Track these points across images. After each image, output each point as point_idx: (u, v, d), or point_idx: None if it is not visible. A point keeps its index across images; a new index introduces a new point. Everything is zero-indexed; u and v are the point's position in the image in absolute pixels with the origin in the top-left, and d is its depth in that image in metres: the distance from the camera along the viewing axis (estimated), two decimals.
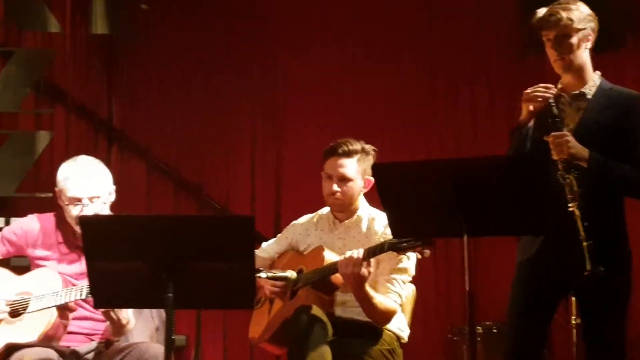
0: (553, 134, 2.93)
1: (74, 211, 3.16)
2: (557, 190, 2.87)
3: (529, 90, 3.03)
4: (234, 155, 5.63)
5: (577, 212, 2.83)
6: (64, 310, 3.10)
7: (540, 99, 2.98)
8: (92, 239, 2.57)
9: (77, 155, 3.30)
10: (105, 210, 3.22)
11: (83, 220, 2.68)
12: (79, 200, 3.15)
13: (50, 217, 3.32)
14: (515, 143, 3.06)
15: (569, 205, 2.84)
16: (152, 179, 5.44)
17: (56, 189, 3.24)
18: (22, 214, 4.00)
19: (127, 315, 3.09)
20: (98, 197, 3.18)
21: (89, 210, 3.15)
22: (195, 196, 5.62)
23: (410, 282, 3.43)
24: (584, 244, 2.81)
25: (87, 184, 3.17)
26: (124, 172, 5.54)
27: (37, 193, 4.76)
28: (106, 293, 2.64)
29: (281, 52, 5.74)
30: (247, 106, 5.66)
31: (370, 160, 3.41)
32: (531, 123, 3.03)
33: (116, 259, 2.57)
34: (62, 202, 3.21)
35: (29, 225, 3.30)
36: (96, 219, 2.95)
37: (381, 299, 3.25)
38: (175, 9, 5.74)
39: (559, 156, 2.91)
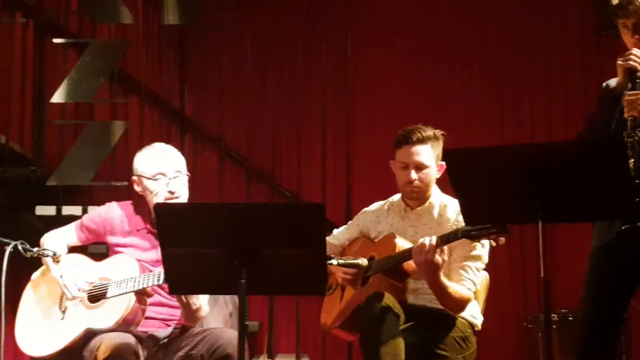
0: (628, 92, 2.87)
1: (160, 185, 3.22)
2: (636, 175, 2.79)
3: (627, 53, 2.97)
4: (305, 143, 5.64)
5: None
6: (141, 296, 3.16)
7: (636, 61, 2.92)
8: (166, 226, 2.61)
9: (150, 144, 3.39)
10: (186, 189, 3.29)
11: (158, 207, 2.72)
12: (164, 174, 3.23)
13: (128, 205, 3.39)
14: (604, 112, 2.98)
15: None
16: (225, 167, 5.50)
17: (134, 177, 3.32)
18: (98, 202, 4.09)
19: (197, 301, 3.12)
20: (180, 172, 3.27)
21: (175, 184, 3.23)
22: (267, 184, 5.66)
23: (484, 269, 3.38)
24: None
25: (169, 158, 3.29)
26: (197, 161, 5.63)
27: (113, 182, 4.86)
28: (180, 279, 2.68)
29: (353, 40, 5.72)
30: (318, 94, 5.66)
31: (441, 145, 3.38)
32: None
33: (190, 246, 2.60)
34: (143, 188, 3.28)
35: (108, 213, 3.38)
36: (170, 206, 3.00)
37: (455, 287, 3.21)
38: None
39: (629, 114, 2.85)
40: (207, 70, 5.85)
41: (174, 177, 3.25)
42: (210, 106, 5.81)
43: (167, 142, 3.50)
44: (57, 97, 4.82)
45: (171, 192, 3.23)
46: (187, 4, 4.99)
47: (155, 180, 3.24)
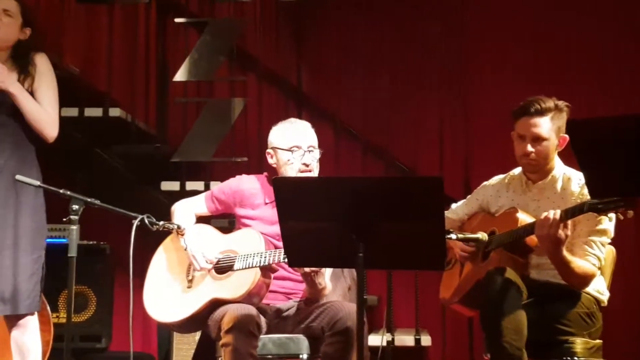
0: None
1: (296, 157, 3.31)
2: None
3: None
4: (421, 117, 5.59)
5: None
6: (266, 270, 3.22)
7: None
8: (285, 200, 2.64)
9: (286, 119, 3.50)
10: (318, 164, 3.37)
11: (277, 181, 2.75)
12: (299, 147, 3.33)
13: (259, 178, 3.48)
14: None
15: None
16: (340, 142, 5.51)
17: (268, 150, 3.41)
18: (218, 177, 4.20)
19: (323, 281, 3.16)
20: (314, 147, 3.36)
21: (309, 157, 3.33)
22: (383, 158, 5.63)
23: (610, 243, 3.25)
24: None
25: (305, 133, 3.39)
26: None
27: (233, 158, 4.96)
28: (299, 252, 2.72)
29: (468, 8, 5.59)
30: (433, 66, 5.58)
31: (564, 117, 3.25)
32: None
33: (308, 220, 2.62)
34: (277, 160, 3.38)
35: (239, 185, 3.46)
36: (289, 180, 3.05)
37: (579, 262, 3.11)
38: None
39: None
40: (323, 46, 5.86)
41: (309, 151, 3.34)
42: (326, 82, 5.83)
43: (285, 118, 3.55)
44: (179, 75, 4.95)
45: (305, 165, 3.33)
46: None
47: (290, 151, 3.34)
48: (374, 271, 4.74)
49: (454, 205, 3.61)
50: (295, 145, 3.35)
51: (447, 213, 3.51)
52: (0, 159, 3.27)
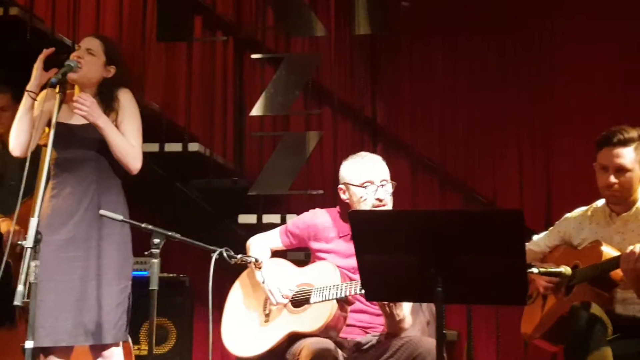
0: None
1: (368, 193, 3.28)
2: None
3: None
4: (500, 148, 5.51)
5: None
6: (343, 303, 3.20)
7: None
8: (361, 233, 2.63)
9: (357, 153, 3.47)
10: (391, 197, 3.33)
11: (353, 215, 2.74)
12: (372, 182, 3.30)
13: (331, 212, 3.47)
14: None
15: None
16: (417, 175, 5.47)
17: (340, 185, 3.39)
18: (295, 210, 4.21)
19: (401, 312, 3.12)
20: (387, 181, 3.32)
21: (382, 192, 3.29)
22: (461, 191, 5.57)
23: None
24: None
25: (377, 167, 3.36)
26: (389, 169, 5.63)
27: (309, 190, 4.98)
28: (376, 286, 2.69)
29: (552, 35, 5.51)
30: (512, 96, 5.51)
31: None
32: None
33: (385, 253, 2.60)
34: (350, 195, 3.35)
35: (312, 219, 3.47)
36: (365, 213, 3.03)
37: None
38: (435, 3, 5.73)
39: None
40: (398, 78, 5.86)
41: (381, 185, 3.30)
42: (402, 114, 5.81)
43: (360, 150, 3.55)
44: (256, 110, 5.02)
45: (379, 200, 3.29)
46: (378, 13, 5.03)
47: (363, 187, 3.30)
48: (453, 305, 4.66)
49: (535, 237, 3.54)
50: (367, 181, 3.32)
51: (528, 245, 3.44)
52: (87, 193, 3.35)
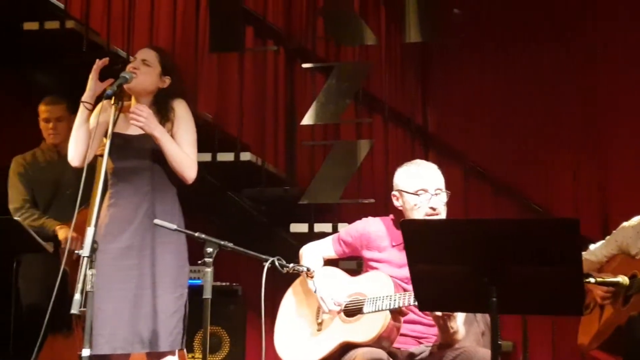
0: None
1: (422, 201, 3.25)
2: None
3: None
4: (554, 155, 5.43)
5: None
6: (397, 314, 3.18)
7: None
8: (413, 242, 2.61)
9: (411, 161, 3.43)
10: (445, 207, 3.29)
11: (405, 224, 2.72)
12: (426, 190, 3.26)
13: (385, 220, 3.44)
14: None
15: None
16: (469, 183, 5.42)
17: (394, 192, 3.36)
18: (346, 219, 4.21)
19: (455, 324, 3.08)
20: (441, 190, 3.28)
21: (436, 200, 3.25)
22: (515, 199, 5.50)
23: None
24: None
25: (431, 175, 3.30)
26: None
27: (360, 199, 4.97)
28: (429, 296, 2.67)
29: (602, 44, 5.43)
30: (566, 101, 5.43)
31: None
32: None
33: (438, 262, 2.58)
34: (404, 203, 3.32)
35: (365, 228, 3.44)
36: (417, 222, 3.01)
37: None
38: (486, 10, 5.69)
39: None
40: (449, 85, 5.83)
41: (436, 194, 3.27)
42: (453, 121, 5.78)
43: (412, 158, 3.52)
44: (307, 119, 5.04)
45: (432, 209, 3.25)
46: (429, 21, 5.01)
47: (417, 195, 3.27)
48: (508, 315, 4.61)
49: (592, 247, 3.48)
50: (421, 189, 3.28)
51: (585, 254, 3.38)
52: (143, 202, 3.39)
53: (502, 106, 5.61)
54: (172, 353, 3.39)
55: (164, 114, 3.44)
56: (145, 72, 3.45)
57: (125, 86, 3.34)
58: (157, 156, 3.40)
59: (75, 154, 3.41)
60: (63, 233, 4.16)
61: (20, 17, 4.92)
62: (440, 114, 5.91)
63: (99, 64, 3.37)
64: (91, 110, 3.40)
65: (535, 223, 3.06)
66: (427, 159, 5.38)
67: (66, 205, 4.22)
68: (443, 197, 3.29)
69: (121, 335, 3.29)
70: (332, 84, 5.07)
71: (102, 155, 3.27)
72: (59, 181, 4.22)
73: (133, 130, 3.42)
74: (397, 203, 3.36)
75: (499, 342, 2.47)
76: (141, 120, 3.30)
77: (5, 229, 3.69)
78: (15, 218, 3.70)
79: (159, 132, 3.35)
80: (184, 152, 3.41)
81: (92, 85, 3.36)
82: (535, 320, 4.95)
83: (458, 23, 5.61)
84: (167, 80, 3.50)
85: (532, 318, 4.82)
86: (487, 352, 2.99)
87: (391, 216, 3.44)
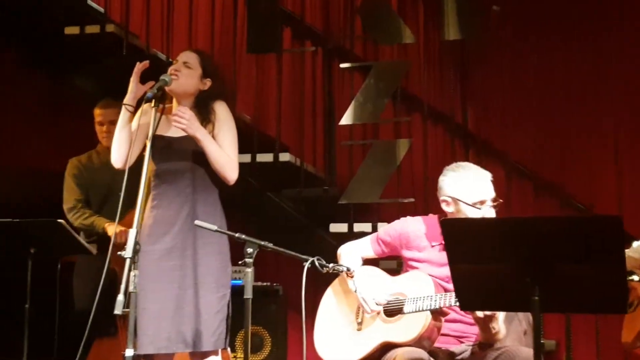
0: None
1: (480, 214, 3.20)
2: None
3: None
4: (597, 152, 5.36)
5: None
6: (437, 314, 3.17)
7: None
8: (454, 242, 2.59)
9: (459, 164, 3.38)
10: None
11: (445, 223, 2.71)
12: (483, 202, 3.22)
13: (424, 220, 3.41)
14: None
15: None
16: (511, 182, 5.38)
17: (446, 197, 3.28)
18: (385, 219, 4.20)
19: (497, 325, 3.06)
20: (497, 200, 3.25)
21: (492, 213, 3.21)
22: (557, 197, 5.44)
23: None
24: None
25: (489, 186, 3.25)
26: None
27: (400, 198, 4.95)
28: (470, 295, 2.65)
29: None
30: (608, 98, 5.35)
31: None
32: None
33: (479, 262, 2.56)
34: (460, 209, 3.25)
35: (404, 227, 3.43)
36: (458, 222, 2.99)
37: None
38: (526, 8, 5.63)
39: None
40: (489, 82, 5.78)
41: (493, 206, 3.23)
42: (493, 119, 5.73)
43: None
44: (345, 119, 5.03)
45: None
46: (467, 18, 4.97)
47: (477, 209, 3.21)
48: (551, 314, 4.56)
49: (635, 244, 3.43)
50: (480, 201, 3.22)
51: (628, 252, 3.33)
52: (186, 203, 3.41)
53: (542, 103, 5.55)
54: (215, 353, 3.41)
55: (205, 116, 3.46)
56: (186, 74, 3.48)
57: (166, 88, 3.38)
58: (199, 158, 3.42)
59: (117, 156, 3.46)
60: (112, 230, 4.22)
61: (61, 22, 5.00)
62: (479, 111, 5.87)
63: (139, 67, 3.40)
64: (133, 113, 3.44)
65: (577, 221, 3.02)
66: (467, 158, 5.38)
67: (118, 206, 4.28)
68: (494, 210, 3.23)
69: (165, 335, 3.32)
70: (371, 83, 5.06)
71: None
72: (112, 183, 4.28)
73: (174, 132, 3.45)
74: (448, 209, 3.29)
75: (542, 341, 2.44)
76: (184, 122, 3.33)
77: (48, 231, 3.75)
78: (59, 221, 3.75)
79: (201, 134, 3.37)
80: (225, 154, 3.43)
81: (133, 88, 3.40)
82: (579, 319, 4.90)
83: (497, 20, 5.56)
84: (208, 83, 3.53)
85: (576, 316, 4.78)
86: (529, 352, 2.97)
87: (431, 215, 3.41)
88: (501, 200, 3.25)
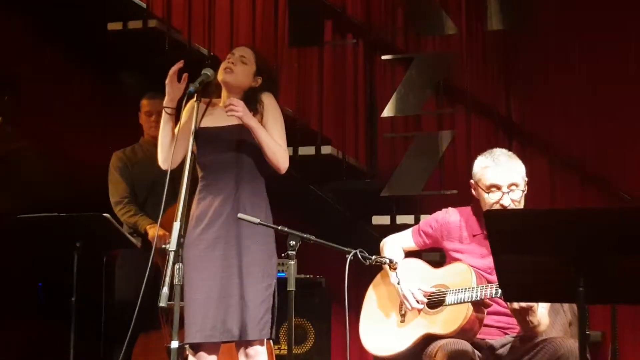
0: None
1: (493, 199, 3.20)
2: None
3: None
4: None
5: None
6: (479, 305, 3.15)
7: None
8: (498, 233, 2.57)
9: (490, 149, 3.35)
10: (522, 201, 3.22)
11: (489, 214, 2.69)
12: (499, 187, 3.20)
13: (465, 211, 3.40)
14: None
15: None
16: (556, 173, 5.31)
17: (472, 181, 3.31)
18: (428, 211, 4.17)
19: (535, 319, 3.03)
20: (517, 186, 3.21)
21: (508, 198, 3.19)
22: (603, 189, 5.36)
23: None
24: None
25: (506, 171, 3.21)
26: (526, 166, 5.48)
27: (442, 190, 4.92)
28: (514, 286, 2.63)
29: None
30: None
31: None
32: None
33: (523, 253, 2.53)
34: (479, 194, 3.27)
35: (445, 218, 3.42)
36: (502, 213, 2.97)
37: None
38: None
39: None
40: (533, 73, 5.70)
41: (510, 191, 3.20)
42: (538, 110, 5.66)
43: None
44: (387, 111, 5.02)
45: (502, 206, 3.18)
46: (511, 8, 4.92)
47: (488, 193, 3.21)
48: (597, 305, 4.49)
49: None
50: (494, 186, 3.20)
51: None
52: (232, 194, 3.42)
53: (588, 93, 5.46)
54: (260, 342, 3.41)
55: (252, 106, 3.48)
56: (242, 69, 3.51)
57: (221, 80, 3.43)
58: (245, 148, 3.44)
59: (162, 159, 3.49)
60: (153, 232, 4.26)
61: (104, 17, 5.06)
62: (524, 103, 5.79)
63: (174, 68, 3.42)
64: (172, 115, 3.46)
65: (623, 212, 2.97)
66: (510, 149, 5.30)
67: (161, 200, 4.33)
68: (517, 193, 3.19)
69: (212, 324, 3.34)
70: (413, 75, 5.04)
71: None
72: (156, 176, 4.34)
73: (220, 122, 3.47)
74: (474, 192, 3.32)
75: (587, 333, 2.41)
76: (239, 110, 3.35)
77: (94, 225, 3.80)
78: (105, 215, 3.79)
79: (254, 123, 3.40)
80: (277, 143, 3.45)
81: (170, 90, 3.42)
82: (625, 310, 4.82)
83: (541, 10, 5.48)
84: (259, 80, 3.55)
85: (622, 308, 4.70)
86: (574, 343, 2.94)
87: (471, 206, 3.39)
88: (524, 190, 3.20)
